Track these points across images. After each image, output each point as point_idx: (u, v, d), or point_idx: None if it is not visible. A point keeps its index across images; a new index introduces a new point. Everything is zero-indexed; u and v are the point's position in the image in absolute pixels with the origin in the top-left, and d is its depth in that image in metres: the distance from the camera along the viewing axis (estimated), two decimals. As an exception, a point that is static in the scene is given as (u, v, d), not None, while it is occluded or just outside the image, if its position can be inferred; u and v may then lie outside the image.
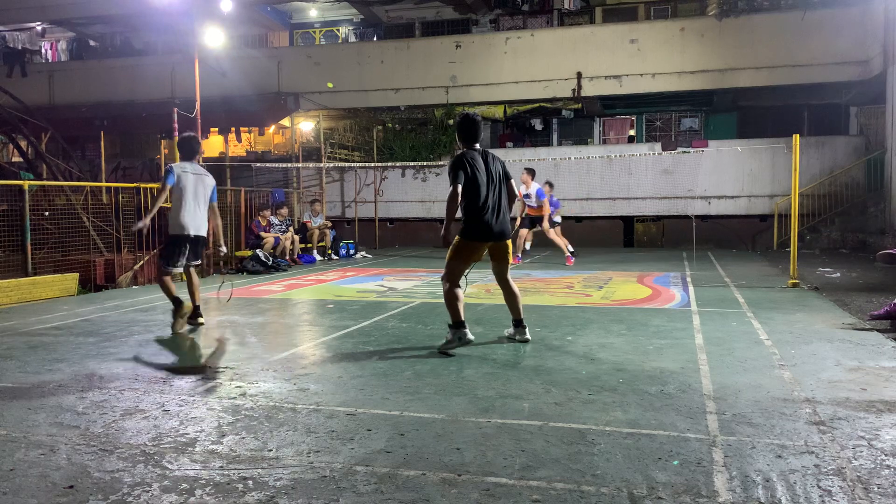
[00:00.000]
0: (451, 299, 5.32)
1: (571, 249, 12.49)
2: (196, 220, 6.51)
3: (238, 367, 4.74)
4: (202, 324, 6.60)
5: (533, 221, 12.41)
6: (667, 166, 16.46)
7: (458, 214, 5.33)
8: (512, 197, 5.54)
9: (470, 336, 5.36)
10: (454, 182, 5.23)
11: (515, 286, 5.55)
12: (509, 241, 5.51)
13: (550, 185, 12.63)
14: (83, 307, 7.81)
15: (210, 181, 6.66)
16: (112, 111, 18.26)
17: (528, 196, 12.08)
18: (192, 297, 6.70)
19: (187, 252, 6.51)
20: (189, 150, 6.73)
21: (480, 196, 5.29)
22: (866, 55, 15.04)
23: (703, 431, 3.32)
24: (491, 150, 5.59)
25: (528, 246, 13.24)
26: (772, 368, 4.55)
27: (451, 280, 5.35)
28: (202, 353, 5.25)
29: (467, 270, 5.43)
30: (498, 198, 5.38)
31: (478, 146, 5.46)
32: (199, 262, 6.76)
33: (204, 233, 6.62)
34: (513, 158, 17.27)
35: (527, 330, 5.58)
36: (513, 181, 5.58)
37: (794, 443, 3.16)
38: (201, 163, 7.15)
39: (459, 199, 5.24)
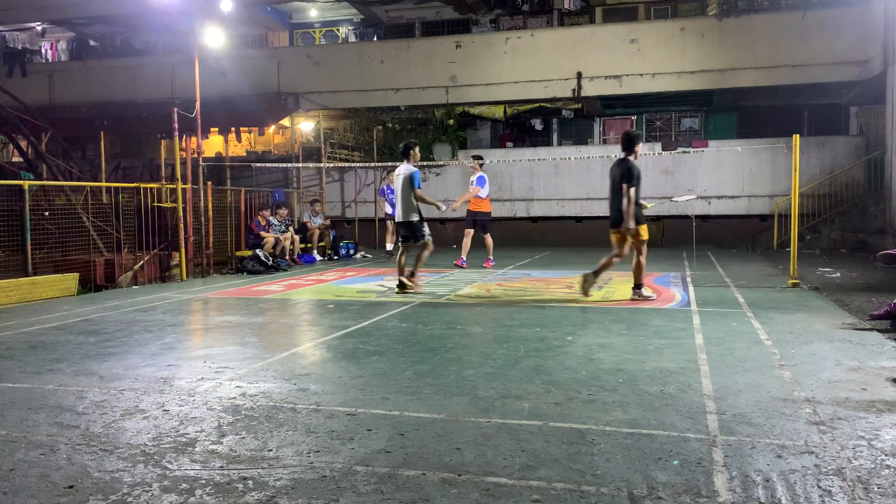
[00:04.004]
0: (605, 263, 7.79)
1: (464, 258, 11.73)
2: (396, 209, 8.73)
3: (238, 367, 4.74)
4: (403, 288, 8.46)
5: (475, 221, 11.68)
6: (667, 166, 16.45)
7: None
8: (624, 193, 7.34)
9: None
10: None
11: (640, 259, 7.65)
12: (640, 227, 7.49)
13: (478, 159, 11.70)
14: (83, 307, 7.81)
15: (401, 177, 8.52)
16: (112, 111, 18.25)
17: (471, 184, 11.68)
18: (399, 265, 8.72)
19: (399, 233, 8.84)
20: (404, 153, 8.71)
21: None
22: (866, 55, 15.04)
23: (703, 431, 3.32)
24: (621, 158, 7.62)
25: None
26: (772, 368, 4.55)
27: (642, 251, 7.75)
28: (202, 354, 5.25)
29: None
30: (611, 195, 7.66)
31: (622, 154, 7.54)
32: (414, 241, 8.61)
33: (402, 218, 8.59)
34: (513, 158, 17.30)
35: (640, 290, 7.63)
36: (627, 185, 7.28)
37: (794, 443, 3.16)
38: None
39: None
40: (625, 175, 7.27)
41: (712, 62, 16.10)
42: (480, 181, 11.55)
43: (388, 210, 13.80)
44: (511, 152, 17.72)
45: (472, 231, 11.82)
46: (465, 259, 11.70)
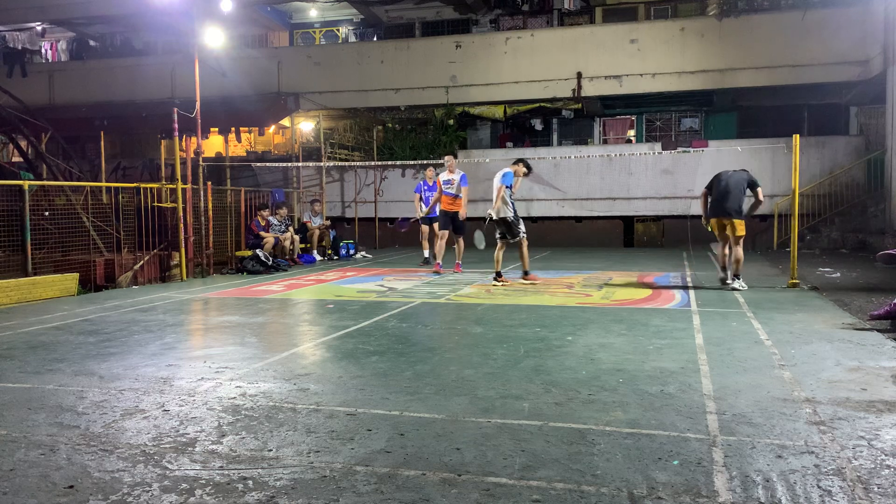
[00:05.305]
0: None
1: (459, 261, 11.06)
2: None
3: (238, 367, 4.74)
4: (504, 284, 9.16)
5: (450, 220, 10.86)
6: (667, 166, 16.45)
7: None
8: (752, 191, 8.54)
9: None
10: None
11: (737, 251, 8.39)
12: (736, 221, 8.31)
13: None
14: (83, 307, 7.81)
15: (497, 177, 9.32)
16: (112, 111, 18.26)
17: (448, 182, 10.75)
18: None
19: (496, 230, 9.42)
20: (514, 163, 9.50)
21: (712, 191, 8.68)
22: (866, 55, 15.04)
23: (703, 431, 3.32)
24: (742, 169, 9.02)
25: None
26: (772, 368, 4.55)
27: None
28: (202, 354, 5.25)
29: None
30: (725, 193, 8.49)
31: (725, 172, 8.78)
32: (511, 238, 9.27)
33: (498, 216, 9.18)
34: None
35: (735, 282, 8.38)
36: (757, 189, 8.55)
37: (794, 443, 3.16)
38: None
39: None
40: (752, 181, 8.69)
41: (712, 62, 16.11)
42: (465, 180, 10.81)
43: (425, 209, 12.20)
44: (511, 152, 17.69)
45: (446, 232, 10.91)
46: (441, 263, 10.83)
